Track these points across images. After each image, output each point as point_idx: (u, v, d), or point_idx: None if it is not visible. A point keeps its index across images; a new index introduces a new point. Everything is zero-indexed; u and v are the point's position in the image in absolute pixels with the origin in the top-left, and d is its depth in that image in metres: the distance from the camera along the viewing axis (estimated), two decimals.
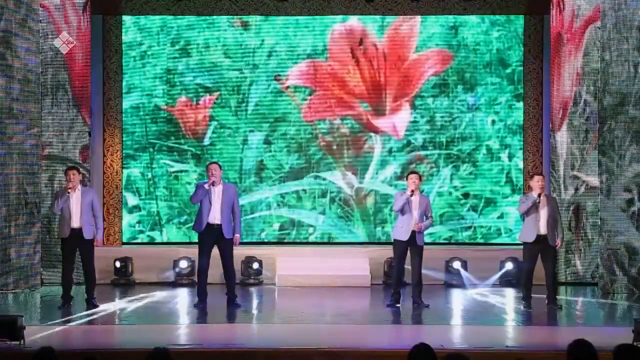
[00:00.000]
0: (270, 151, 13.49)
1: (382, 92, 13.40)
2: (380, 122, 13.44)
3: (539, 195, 10.35)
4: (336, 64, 13.42)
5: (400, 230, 10.48)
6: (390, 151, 13.45)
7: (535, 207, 10.37)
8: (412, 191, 10.38)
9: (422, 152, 13.45)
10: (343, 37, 13.44)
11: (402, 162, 13.45)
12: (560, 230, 10.56)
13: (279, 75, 13.45)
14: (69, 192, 10.35)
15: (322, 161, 13.51)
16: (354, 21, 13.43)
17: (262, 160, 13.49)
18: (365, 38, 13.40)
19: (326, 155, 13.51)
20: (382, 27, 13.39)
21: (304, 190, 13.52)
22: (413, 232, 10.41)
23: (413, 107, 13.41)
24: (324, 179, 13.52)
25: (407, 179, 10.60)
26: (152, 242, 13.49)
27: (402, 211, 10.45)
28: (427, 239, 13.02)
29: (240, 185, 13.29)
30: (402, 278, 10.86)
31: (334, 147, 13.51)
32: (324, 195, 13.51)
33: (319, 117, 13.49)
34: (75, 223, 10.36)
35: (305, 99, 13.46)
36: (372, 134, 13.46)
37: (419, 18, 13.37)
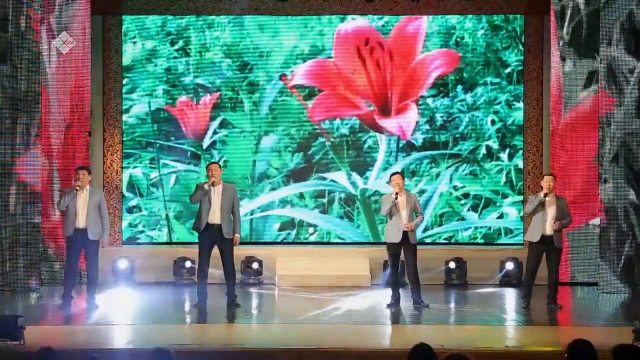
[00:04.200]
0: (274, 151, 13.47)
1: (388, 92, 13.38)
2: (385, 123, 13.41)
3: (545, 195, 10.35)
4: (342, 64, 13.40)
5: (391, 232, 10.50)
6: (395, 151, 13.41)
7: (541, 206, 10.36)
8: (397, 193, 10.40)
9: (422, 152, 13.43)
10: (349, 37, 13.41)
11: (406, 162, 13.40)
12: (567, 222, 10.55)
13: (284, 74, 13.43)
14: (76, 191, 10.34)
15: (327, 161, 13.49)
16: (360, 21, 13.41)
17: (266, 160, 13.47)
18: (372, 38, 13.38)
19: (331, 156, 13.48)
20: (388, 27, 13.36)
21: (308, 191, 13.49)
22: (405, 232, 10.42)
23: (419, 107, 13.39)
24: (328, 180, 13.50)
25: (390, 181, 10.60)
26: (152, 242, 13.49)
27: (390, 214, 10.46)
28: (426, 239, 13.11)
29: (244, 186, 13.29)
30: (400, 279, 10.89)
31: (339, 147, 13.47)
32: (327, 195, 13.49)
33: (324, 117, 13.47)
34: (80, 223, 10.35)
35: (311, 99, 13.45)
36: (377, 134, 13.43)
37: (425, 17, 13.36)
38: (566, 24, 12.26)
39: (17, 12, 11.67)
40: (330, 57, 13.41)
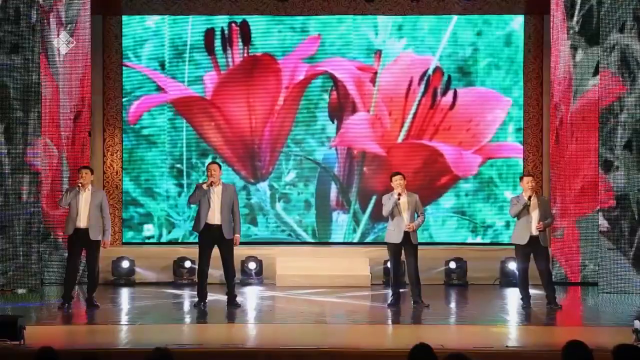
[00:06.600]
0: (285, 152, 13.48)
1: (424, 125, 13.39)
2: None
3: (529, 197, 10.33)
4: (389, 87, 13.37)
5: (393, 233, 10.48)
6: (402, 151, 13.42)
7: (525, 209, 10.34)
8: (399, 194, 10.37)
9: (423, 152, 13.43)
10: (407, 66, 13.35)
11: (414, 162, 13.39)
12: (549, 222, 10.53)
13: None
14: (78, 189, 10.33)
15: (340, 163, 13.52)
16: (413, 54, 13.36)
17: (273, 160, 13.47)
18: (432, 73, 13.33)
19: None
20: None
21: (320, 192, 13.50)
22: (406, 233, 10.40)
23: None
24: (342, 182, 13.50)
25: (391, 181, 10.56)
26: (152, 242, 13.49)
27: (392, 214, 10.44)
28: (426, 239, 13.11)
29: (248, 185, 13.31)
30: (400, 279, 10.88)
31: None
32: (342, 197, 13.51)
33: (346, 139, 13.45)
34: (82, 223, 10.33)
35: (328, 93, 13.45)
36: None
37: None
38: (576, 12, 12.24)
39: (28, 5, 11.75)
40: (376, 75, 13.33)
